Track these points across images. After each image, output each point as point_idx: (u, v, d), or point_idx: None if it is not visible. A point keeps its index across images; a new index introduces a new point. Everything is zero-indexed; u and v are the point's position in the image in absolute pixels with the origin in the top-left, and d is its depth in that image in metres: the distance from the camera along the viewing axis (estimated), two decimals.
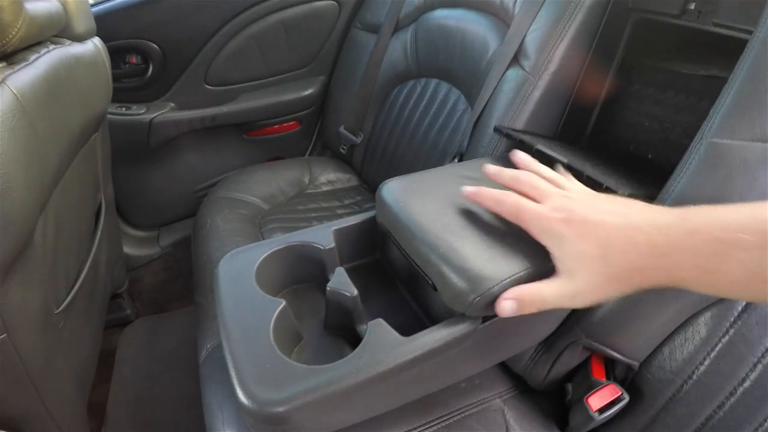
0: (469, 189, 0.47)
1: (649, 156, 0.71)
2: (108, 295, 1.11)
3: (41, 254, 0.64)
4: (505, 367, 0.71)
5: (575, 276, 0.38)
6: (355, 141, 1.22)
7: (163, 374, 1.18)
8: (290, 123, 1.39)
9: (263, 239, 0.97)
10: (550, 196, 0.42)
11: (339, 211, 1.11)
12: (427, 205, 0.49)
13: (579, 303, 0.39)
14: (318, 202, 1.13)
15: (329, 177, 1.24)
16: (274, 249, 0.53)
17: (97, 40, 0.87)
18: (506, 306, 0.40)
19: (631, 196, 0.51)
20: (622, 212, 0.38)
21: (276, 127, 1.38)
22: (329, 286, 0.48)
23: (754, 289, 0.33)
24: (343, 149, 1.27)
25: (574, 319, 0.57)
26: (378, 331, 0.43)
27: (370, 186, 1.23)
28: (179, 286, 1.39)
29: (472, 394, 0.67)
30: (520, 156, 0.53)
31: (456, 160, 0.80)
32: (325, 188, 1.21)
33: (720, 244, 0.33)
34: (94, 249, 0.92)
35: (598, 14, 0.70)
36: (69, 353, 0.78)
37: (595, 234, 0.37)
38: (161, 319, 1.33)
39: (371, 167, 1.20)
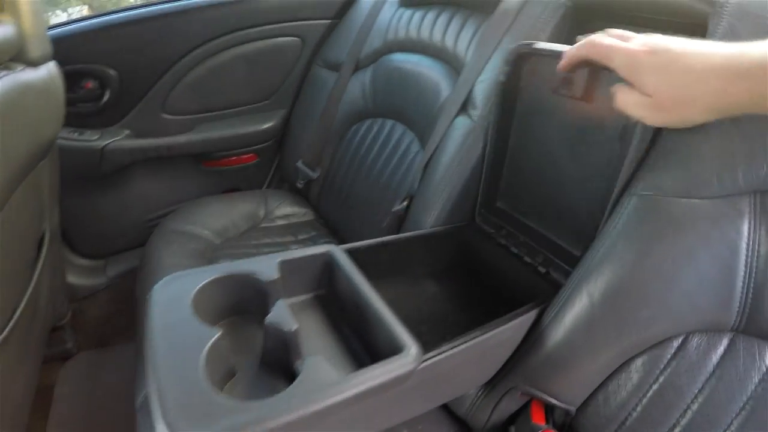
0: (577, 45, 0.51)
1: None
2: (48, 329, 1.06)
3: None
4: (448, 411, 0.71)
5: (660, 97, 0.43)
6: (312, 176, 1.22)
7: (103, 413, 1.12)
8: (248, 155, 1.38)
9: None
10: (634, 37, 0.47)
11: (293, 247, 1.10)
12: None
13: (660, 118, 0.45)
14: (272, 237, 1.12)
15: (285, 211, 1.24)
16: (215, 277, 0.51)
17: (52, 65, 0.85)
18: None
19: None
20: (699, 43, 0.42)
21: (234, 158, 1.37)
22: (267, 319, 0.46)
23: None
24: (300, 183, 1.27)
25: (513, 364, 0.58)
26: (315, 367, 0.42)
27: (326, 221, 1.23)
28: (124, 320, 1.33)
29: None
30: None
31: (406, 203, 0.82)
32: (280, 222, 1.21)
33: None
34: (33, 281, 0.88)
35: None
36: (0, 393, 0.74)
37: (677, 61, 0.42)
38: (104, 354, 1.27)
39: (327, 202, 1.21)
